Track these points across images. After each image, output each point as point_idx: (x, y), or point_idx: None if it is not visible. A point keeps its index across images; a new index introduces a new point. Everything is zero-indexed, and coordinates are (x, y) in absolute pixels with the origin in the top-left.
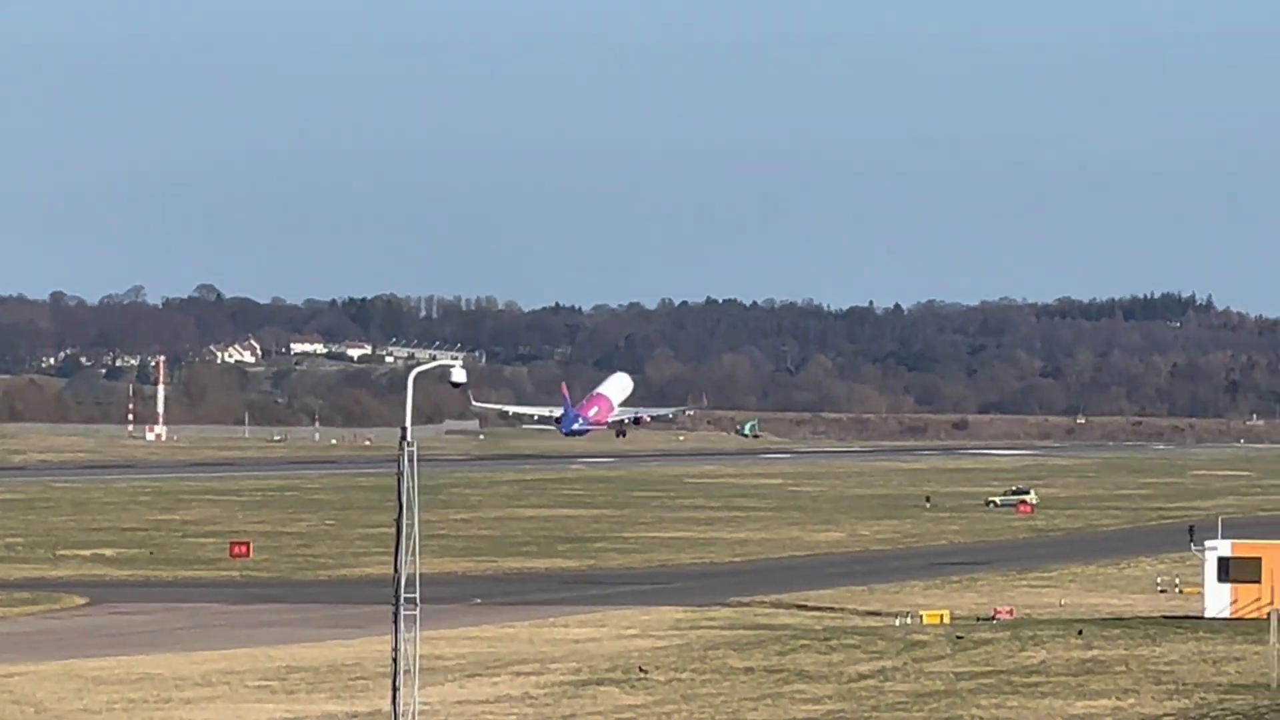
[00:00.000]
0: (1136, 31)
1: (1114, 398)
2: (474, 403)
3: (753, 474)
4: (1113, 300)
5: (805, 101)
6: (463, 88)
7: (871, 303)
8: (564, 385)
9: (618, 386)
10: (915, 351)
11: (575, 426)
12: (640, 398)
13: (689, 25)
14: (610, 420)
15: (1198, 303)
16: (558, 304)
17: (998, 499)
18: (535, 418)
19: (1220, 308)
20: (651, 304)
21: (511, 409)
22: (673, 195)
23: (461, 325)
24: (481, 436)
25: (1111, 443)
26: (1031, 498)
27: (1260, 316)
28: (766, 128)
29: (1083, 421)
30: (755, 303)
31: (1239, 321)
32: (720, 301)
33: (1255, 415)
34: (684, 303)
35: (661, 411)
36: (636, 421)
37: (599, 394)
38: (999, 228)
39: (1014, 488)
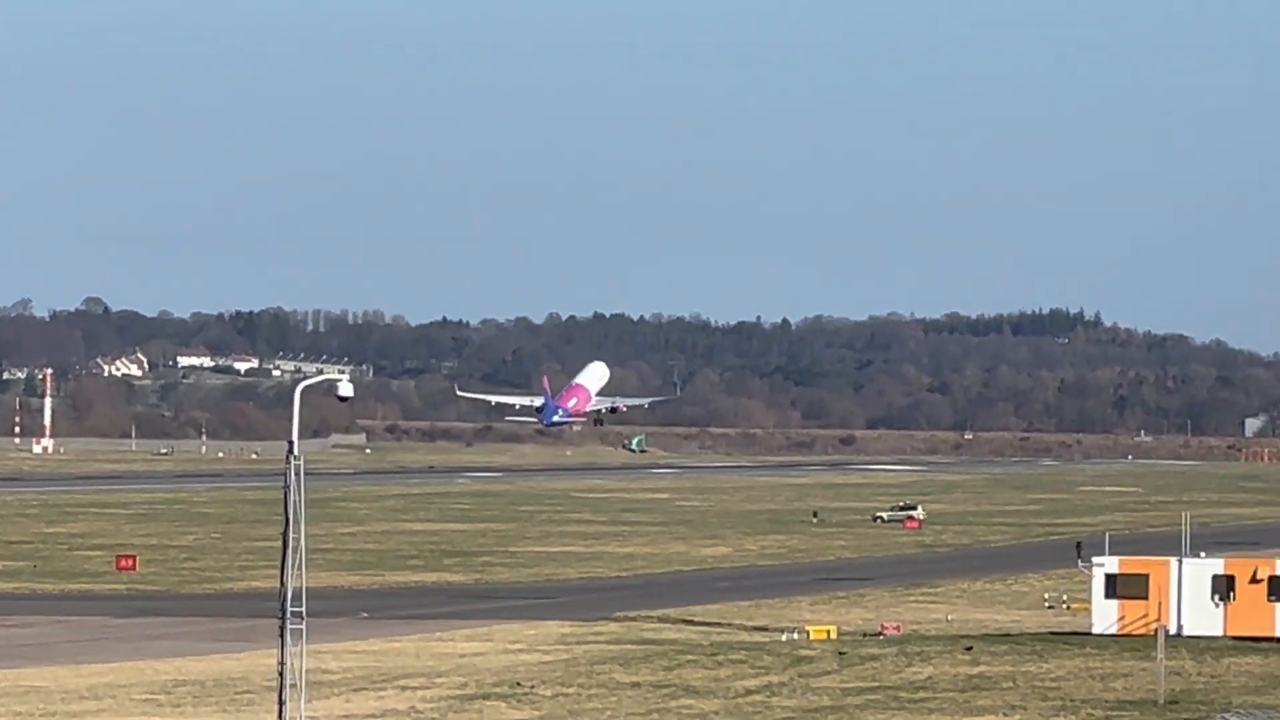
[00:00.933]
0: (1027, 50)
1: (1002, 413)
2: (459, 392)
3: (640, 489)
4: (1001, 316)
5: (694, 114)
6: (346, 101)
7: (759, 318)
8: (545, 378)
9: (595, 376)
10: (803, 366)
11: (556, 418)
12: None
13: (572, 34)
14: (589, 410)
15: (1086, 319)
16: (445, 318)
17: (885, 514)
18: (517, 407)
19: (1108, 324)
20: (539, 318)
21: (495, 399)
22: (559, 209)
23: (348, 339)
24: (368, 450)
25: (999, 458)
26: (919, 513)
27: (1148, 332)
28: (655, 141)
29: (970, 437)
30: (643, 317)
31: (1127, 337)
32: (608, 316)
33: (1143, 431)
34: (571, 317)
35: (637, 401)
36: (613, 410)
37: (577, 384)
38: (887, 243)
39: (901, 503)
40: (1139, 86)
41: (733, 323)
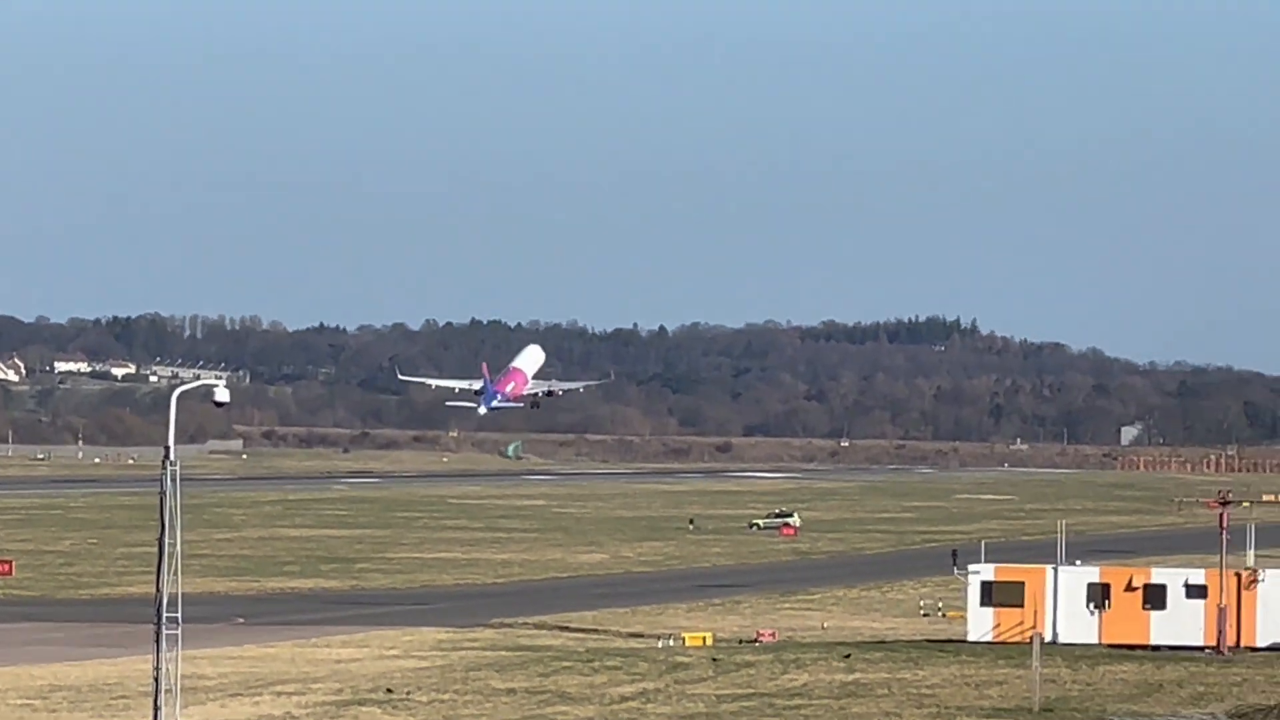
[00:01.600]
0: (900, 54)
1: (878, 421)
2: (400, 376)
3: (516, 495)
4: (877, 323)
5: (568, 119)
6: (220, 107)
7: (636, 325)
8: (484, 364)
9: (530, 360)
10: (679, 374)
11: (495, 403)
12: (406, 418)
13: (458, 41)
14: (526, 393)
15: (962, 326)
16: (322, 324)
17: (761, 521)
18: (456, 391)
19: (985, 332)
20: (416, 324)
21: (435, 383)
22: (437, 216)
23: (226, 344)
24: (245, 456)
25: (875, 466)
26: (795, 520)
27: (1025, 341)
28: (530, 147)
29: (846, 444)
30: (520, 324)
31: (1003, 345)
32: (485, 322)
33: (1019, 439)
34: (448, 323)
35: (572, 385)
36: (549, 394)
37: (514, 369)
38: (764, 251)
39: (777, 510)
40: (1011, 94)
41: (609, 330)
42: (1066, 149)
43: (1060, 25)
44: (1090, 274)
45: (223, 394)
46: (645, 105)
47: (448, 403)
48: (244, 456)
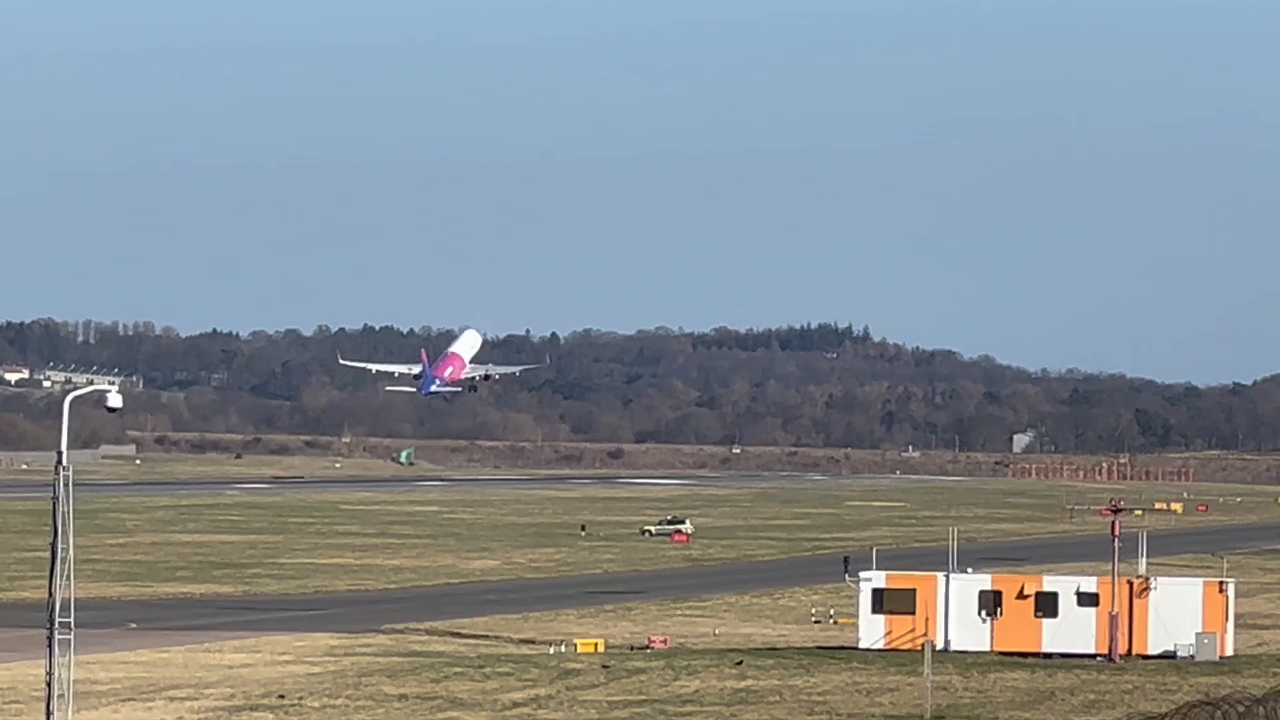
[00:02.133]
0: (791, 60)
1: (770, 428)
2: (341, 361)
3: (408, 501)
4: (769, 330)
5: (461, 126)
6: (116, 110)
7: (528, 331)
8: (423, 350)
9: (468, 345)
10: (571, 380)
11: (434, 388)
12: (299, 424)
13: (344, 43)
14: (463, 377)
15: (854, 334)
16: (215, 329)
17: (653, 528)
18: (396, 375)
19: (877, 339)
20: (309, 330)
21: (375, 367)
22: (330, 221)
23: (119, 350)
24: (138, 461)
25: (767, 473)
26: (687, 527)
27: (917, 348)
28: (418, 151)
29: (738, 451)
30: (412, 329)
31: (895, 353)
32: (377, 329)
33: (911, 446)
34: (341, 329)
35: (508, 370)
36: (486, 378)
37: (452, 353)
38: (655, 257)
39: (669, 517)
40: (903, 100)
41: (501, 336)
42: (958, 156)
43: (952, 27)
44: (983, 281)
45: (116, 399)
46: (538, 108)
47: (388, 387)
48: (137, 462)
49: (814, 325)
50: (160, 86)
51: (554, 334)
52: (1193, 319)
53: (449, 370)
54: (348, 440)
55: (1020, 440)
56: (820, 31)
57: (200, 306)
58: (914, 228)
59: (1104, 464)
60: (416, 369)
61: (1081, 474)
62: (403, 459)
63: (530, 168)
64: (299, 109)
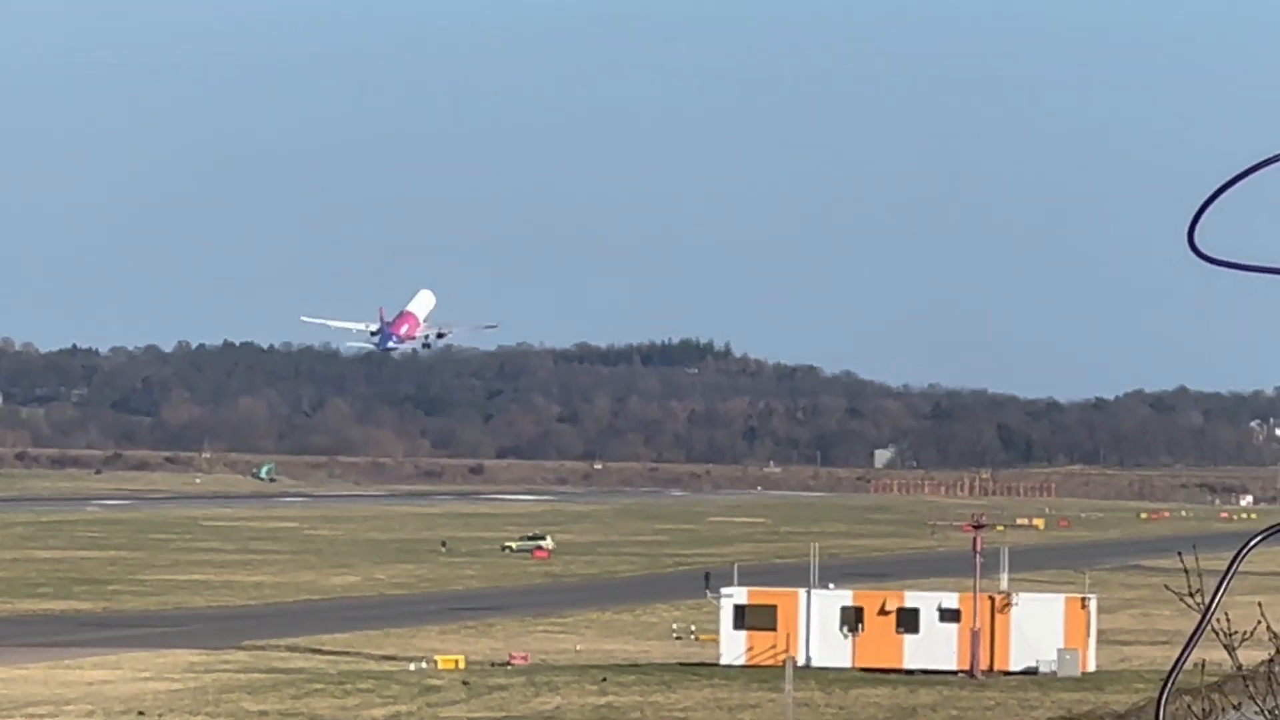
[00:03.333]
0: (652, 83)
1: (631, 443)
2: (302, 318)
3: (269, 517)
4: (630, 346)
5: (322, 140)
6: None
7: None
8: (380, 308)
9: (423, 304)
10: (432, 395)
11: (390, 345)
12: (159, 439)
13: (198, 54)
14: (418, 335)
15: (716, 349)
16: (75, 345)
17: (514, 544)
18: (354, 331)
19: (738, 354)
20: (168, 346)
21: (335, 323)
22: (190, 236)
23: None
24: None
25: (629, 489)
26: (548, 543)
27: (779, 364)
28: (279, 167)
29: (600, 467)
30: (272, 345)
31: (757, 368)
32: (237, 344)
33: (773, 462)
34: (201, 345)
35: (463, 324)
36: (440, 336)
37: (407, 312)
38: (516, 272)
39: (530, 533)
40: (757, 120)
41: (363, 351)
42: (816, 171)
43: (830, 51)
44: (844, 296)
45: None
46: (401, 127)
47: (347, 343)
48: None
49: (675, 341)
50: (16, 93)
51: (415, 349)
52: (1054, 334)
53: (404, 328)
54: (208, 456)
55: (882, 456)
56: (685, 49)
57: (59, 322)
58: (774, 242)
59: (966, 479)
60: (374, 326)
61: (943, 489)
62: (263, 475)
63: (392, 186)
64: (158, 120)
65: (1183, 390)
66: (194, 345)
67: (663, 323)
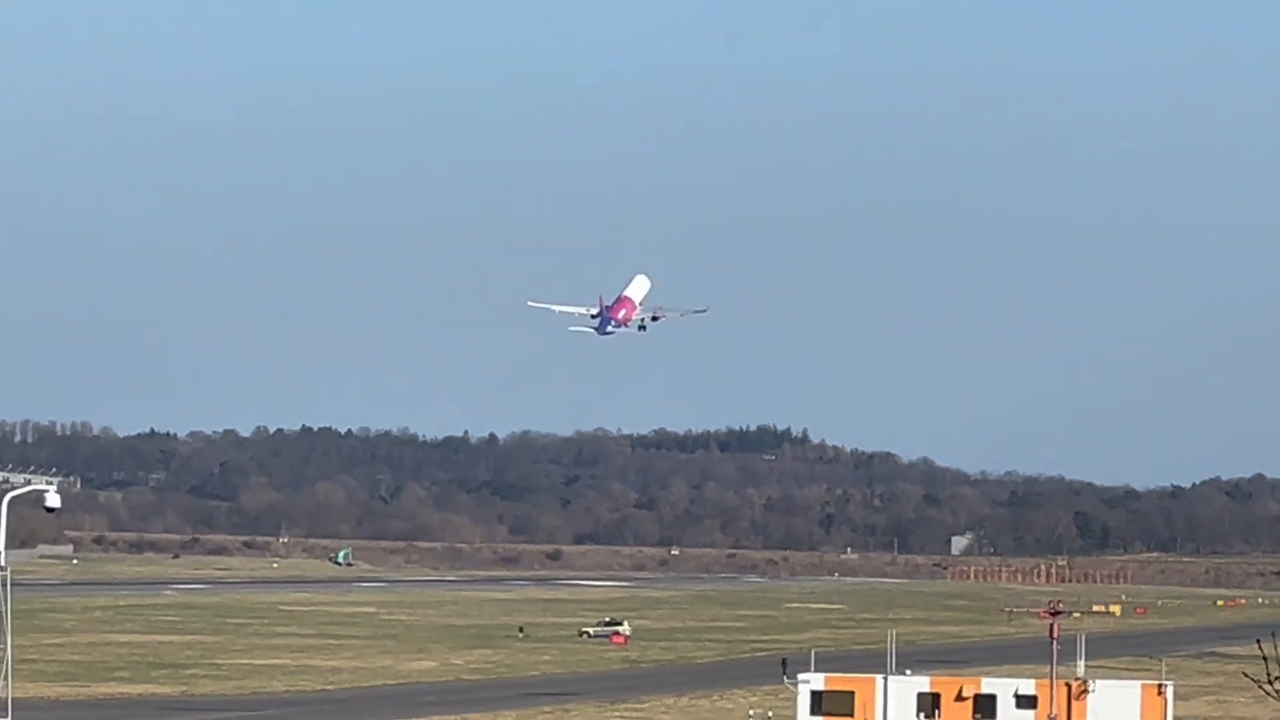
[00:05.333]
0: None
1: (708, 530)
2: (530, 303)
3: (347, 602)
4: (708, 432)
5: (361, 225)
6: (47, 210)
7: (466, 432)
8: (600, 296)
9: (639, 288)
10: (510, 481)
11: (609, 329)
12: (236, 524)
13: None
14: (635, 318)
15: (793, 435)
16: (153, 429)
17: (591, 630)
18: (576, 315)
19: (815, 441)
20: (246, 431)
21: (558, 308)
22: (266, 321)
23: (56, 450)
24: (75, 561)
25: (706, 574)
26: (625, 629)
27: (855, 450)
28: (352, 254)
29: (677, 553)
30: (350, 430)
31: (834, 455)
32: (315, 429)
33: (849, 548)
34: (279, 430)
35: (675, 309)
36: (655, 319)
37: (625, 297)
38: (594, 358)
39: (607, 618)
40: (834, 198)
41: (440, 437)
42: (894, 256)
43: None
44: (920, 383)
45: (54, 499)
46: (434, 206)
47: (570, 328)
48: (74, 562)
49: (752, 427)
50: (101, 185)
51: (492, 435)
52: (1131, 421)
53: (622, 312)
54: (285, 540)
55: (959, 543)
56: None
57: (138, 406)
58: (851, 330)
59: (1042, 566)
60: (594, 310)
61: (1020, 576)
62: (340, 559)
63: (466, 275)
64: (230, 215)
65: (1260, 478)
66: (272, 430)
67: (740, 408)
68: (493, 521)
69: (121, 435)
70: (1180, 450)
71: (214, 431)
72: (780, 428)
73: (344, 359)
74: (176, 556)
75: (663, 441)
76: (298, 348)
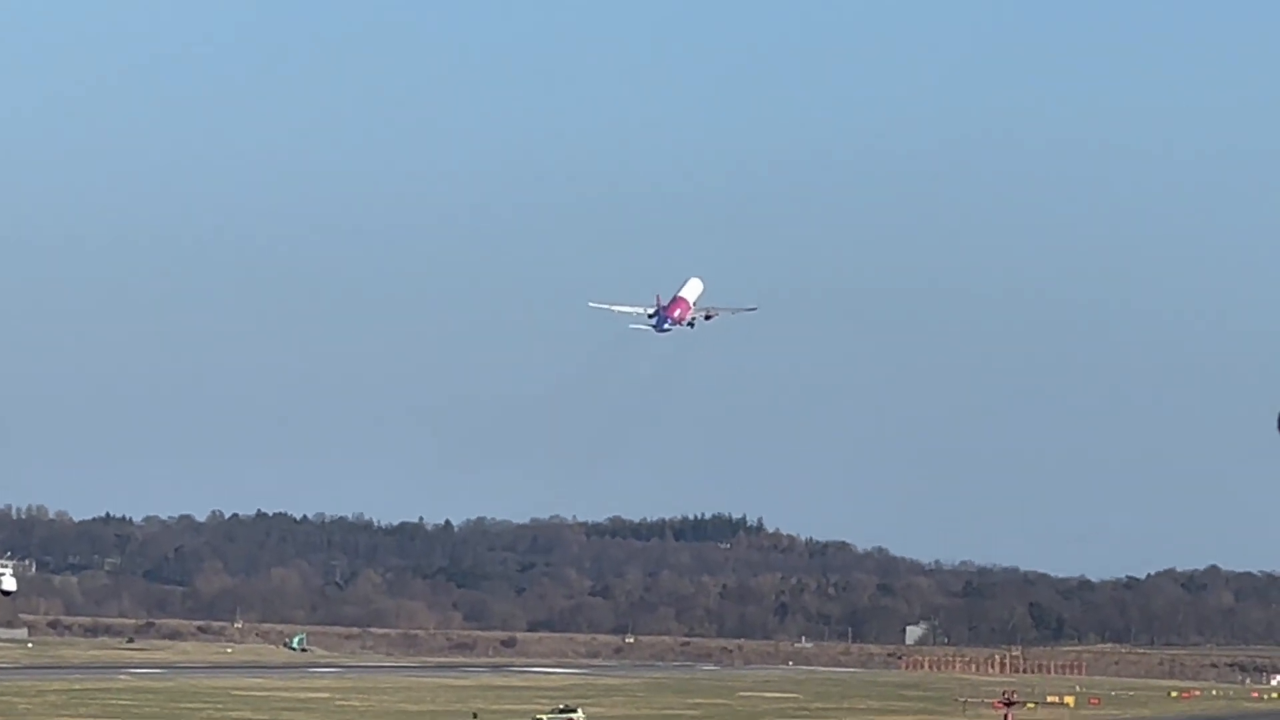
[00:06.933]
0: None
1: (663, 618)
2: (591, 304)
3: (301, 688)
4: (663, 520)
5: (317, 306)
6: (12, 294)
7: (421, 518)
8: (658, 295)
9: (693, 289)
10: (465, 568)
11: (665, 326)
12: (191, 609)
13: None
14: (689, 318)
15: (748, 524)
16: (108, 514)
17: (545, 717)
18: (634, 315)
19: (770, 529)
20: (202, 515)
21: (618, 308)
22: (218, 408)
23: (12, 533)
24: (30, 645)
25: (660, 663)
26: (579, 716)
27: (810, 539)
28: (298, 341)
29: (631, 641)
30: (305, 516)
31: (789, 544)
32: (270, 514)
33: (804, 637)
34: (234, 515)
35: (725, 308)
36: (708, 318)
37: (680, 297)
38: (548, 445)
39: (562, 706)
40: (799, 273)
41: (395, 523)
42: (847, 348)
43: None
44: (876, 473)
45: (9, 583)
46: (358, 279)
47: (630, 325)
48: (29, 645)
49: (708, 515)
50: (47, 267)
51: (448, 521)
52: (1086, 512)
53: (678, 311)
54: (240, 626)
55: (913, 632)
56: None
57: (93, 491)
58: (806, 418)
59: (997, 656)
60: (651, 309)
61: (974, 666)
62: (295, 645)
63: (421, 364)
64: (179, 300)
65: (1214, 569)
66: (227, 515)
67: (695, 497)
68: (447, 608)
69: (77, 519)
70: (1135, 542)
71: (169, 516)
72: (735, 516)
73: (299, 445)
74: (131, 641)
75: (618, 529)
76: (253, 434)
